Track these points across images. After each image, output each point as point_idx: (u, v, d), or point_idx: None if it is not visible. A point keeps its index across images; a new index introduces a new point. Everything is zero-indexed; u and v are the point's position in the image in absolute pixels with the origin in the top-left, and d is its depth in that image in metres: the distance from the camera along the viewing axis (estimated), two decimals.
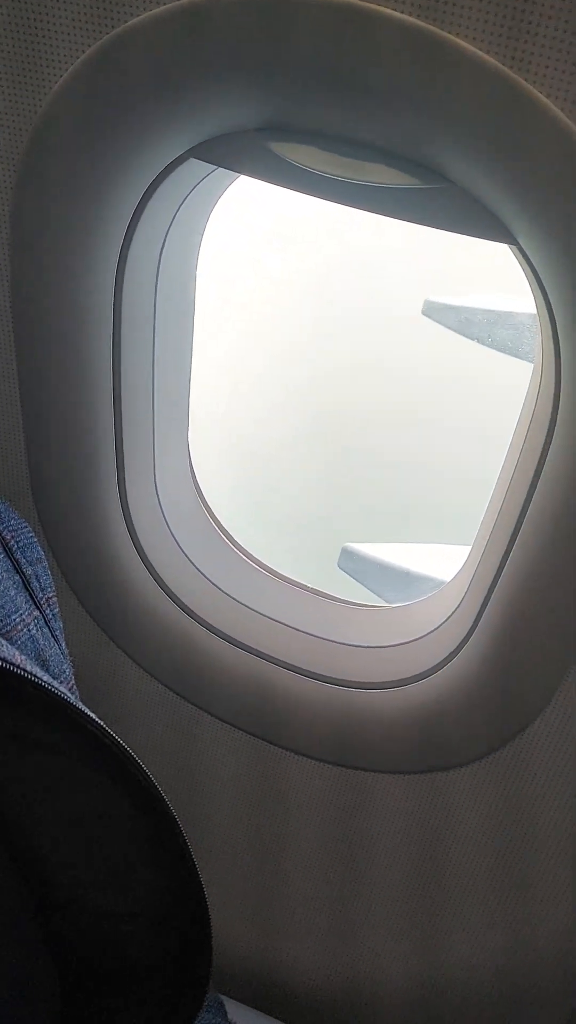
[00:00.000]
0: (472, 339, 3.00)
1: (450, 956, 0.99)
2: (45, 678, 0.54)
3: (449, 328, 3.05)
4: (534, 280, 0.66)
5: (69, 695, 0.55)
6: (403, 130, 0.62)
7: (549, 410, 0.72)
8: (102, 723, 0.55)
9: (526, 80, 0.55)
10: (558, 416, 0.71)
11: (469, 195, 0.64)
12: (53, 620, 0.69)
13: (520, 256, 0.66)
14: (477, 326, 3.01)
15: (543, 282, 0.65)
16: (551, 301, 0.66)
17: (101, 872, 0.60)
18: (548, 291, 0.65)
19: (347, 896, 1.01)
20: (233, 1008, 0.90)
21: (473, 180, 0.63)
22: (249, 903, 1.05)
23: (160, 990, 0.63)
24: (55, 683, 0.55)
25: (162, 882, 0.59)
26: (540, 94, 0.55)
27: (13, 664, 0.52)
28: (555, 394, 0.71)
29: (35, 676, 0.53)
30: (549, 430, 0.72)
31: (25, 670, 0.53)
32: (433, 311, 3.10)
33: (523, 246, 0.64)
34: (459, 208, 0.65)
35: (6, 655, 0.53)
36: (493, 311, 3.05)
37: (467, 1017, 1.02)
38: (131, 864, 0.60)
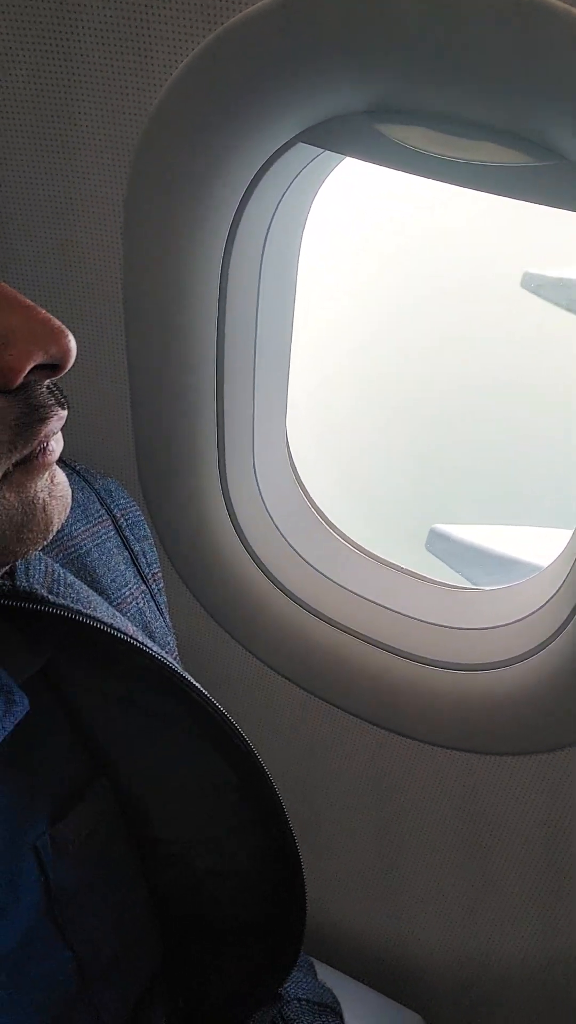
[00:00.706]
0: (573, 312, 2.93)
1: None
2: (156, 649, 0.56)
3: (548, 301, 2.99)
4: None
5: (177, 666, 0.57)
6: (511, 106, 0.61)
7: None
8: (207, 693, 0.57)
9: None
10: None
11: None
12: (159, 594, 0.72)
13: None
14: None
15: None
16: None
17: (205, 833, 0.63)
18: None
19: (454, 874, 1.02)
20: (324, 971, 0.92)
21: None
22: (352, 875, 1.07)
23: (256, 947, 0.66)
24: (164, 654, 0.57)
25: (262, 846, 0.62)
26: None
27: (127, 635, 0.55)
28: None
29: (147, 647, 0.56)
30: None
31: (138, 640, 0.55)
32: (532, 284, 3.03)
33: None
34: (572, 184, 0.64)
35: (120, 627, 0.55)
36: None
37: None
38: (233, 828, 0.62)
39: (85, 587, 0.58)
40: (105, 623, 0.54)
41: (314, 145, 0.71)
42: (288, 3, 0.61)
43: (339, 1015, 0.79)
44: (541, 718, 0.90)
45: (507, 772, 0.94)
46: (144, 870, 0.64)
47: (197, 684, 0.57)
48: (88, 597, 0.56)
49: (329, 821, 1.06)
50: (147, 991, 0.64)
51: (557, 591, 0.91)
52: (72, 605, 0.53)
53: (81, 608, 0.53)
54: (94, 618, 0.53)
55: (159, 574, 0.72)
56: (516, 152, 0.64)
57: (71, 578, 0.56)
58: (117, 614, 0.58)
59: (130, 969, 0.62)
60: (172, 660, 0.57)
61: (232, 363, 0.86)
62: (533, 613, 0.93)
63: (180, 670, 0.57)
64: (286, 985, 0.77)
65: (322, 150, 0.75)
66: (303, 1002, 0.76)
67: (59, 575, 0.55)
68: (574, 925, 0.97)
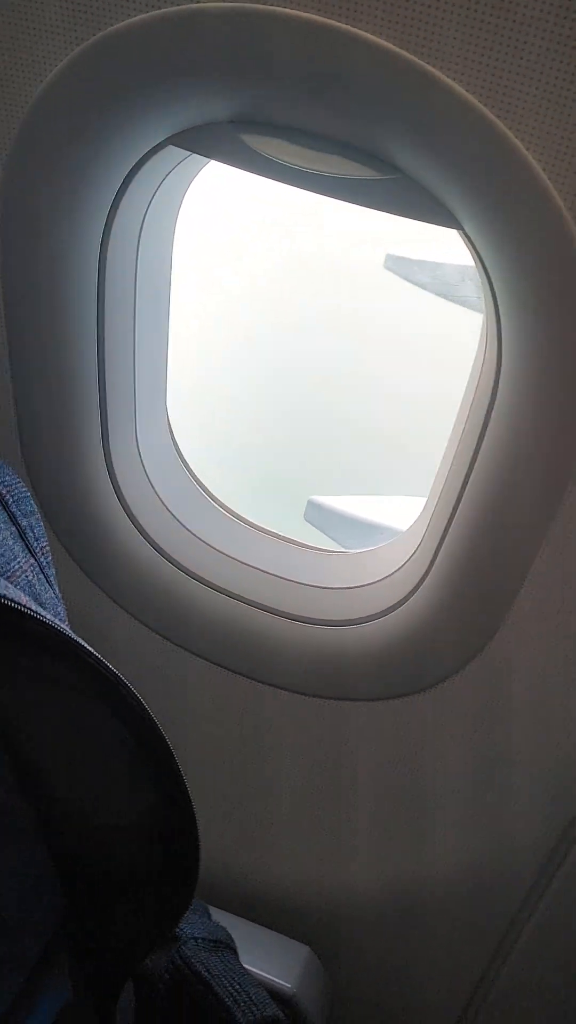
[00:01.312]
0: (433, 293, 3.10)
1: (426, 859, 1.11)
2: (47, 615, 0.59)
3: (409, 281, 3.14)
4: (479, 263, 0.75)
5: (69, 631, 0.60)
6: (360, 128, 0.70)
7: (492, 379, 0.81)
8: (99, 655, 0.59)
9: (452, 80, 0.63)
10: (499, 386, 0.80)
11: (418, 185, 0.72)
12: (47, 567, 0.75)
13: (466, 240, 0.74)
14: (437, 280, 3.10)
15: (486, 265, 0.74)
16: (492, 281, 0.74)
17: (102, 791, 0.66)
18: (490, 273, 0.74)
19: (326, 813, 1.12)
20: (216, 914, 1.01)
21: (420, 172, 0.71)
22: (234, 822, 1.16)
23: (153, 895, 0.69)
24: (56, 620, 0.60)
25: (157, 800, 0.64)
26: (470, 96, 0.63)
27: (18, 603, 0.57)
28: (496, 367, 0.79)
29: (38, 613, 0.58)
30: (492, 395, 0.81)
31: (29, 608, 0.58)
32: (395, 265, 3.17)
33: (467, 231, 0.73)
34: (410, 197, 0.73)
35: (11, 595, 0.58)
36: (452, 265, 3.14)
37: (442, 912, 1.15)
38: (128, 784, 0.65)
39: None
40: None
41: (183, 148, 0.78)
42: (166, 19, 0.67)
43: (233, 950, 0.86)
44: (404, 665, 1.01)
45: (373, 717, 1.04)
46: (43, 828, 0.66)
47: (89, 647, 0.59)
48: None
49: (212, 774, 1.14)
50: (51, 944, 0.66)
51: (414, 553, 1.02)
52: None
53: None
54: None
55: (47, 547, 0.74)
56: (362, 166, 0.72)
57: None
58: (8, 585, 0.62)
59: (33, 923, 0.64)
60: (66, 627, 0.60)
61: (112, 343, 0.92)
62: (394, 572, 1.04)
63: (72, 635, 0.59)
64: (182, 927, 0.83)
65: (190, 153, 0.81)
66: (199, 940, 0.83)
67: None
68: (420, 851, 1.10)
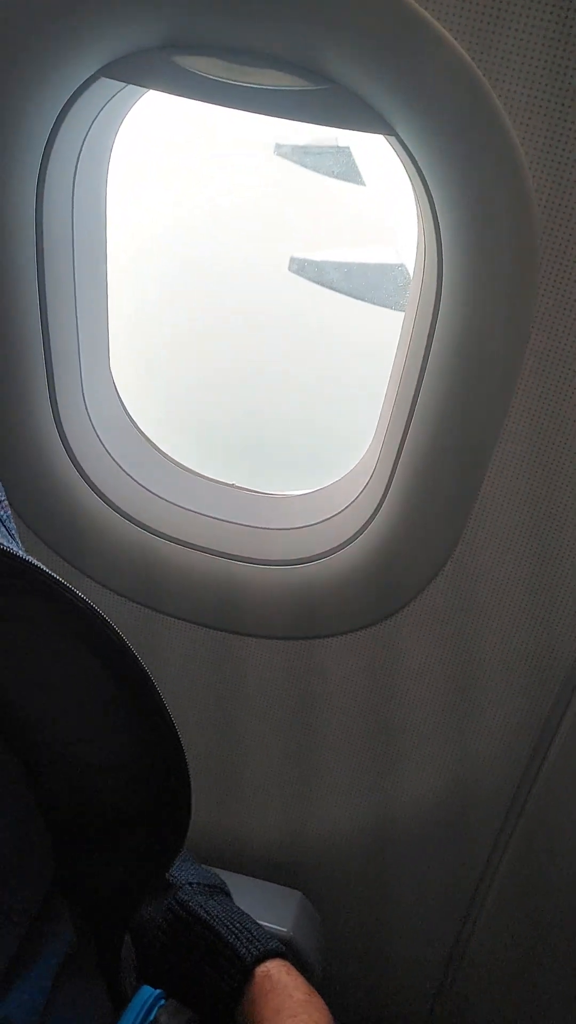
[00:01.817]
0: (336, 291, 3.19)
1: (407, 787, 1.12)
2: (18, 551, 0.59)
3: (313, 281, 3.22)
4: (412, 167, 0.78)
5: (42, 566, 0.59)
6: (291, 37, 0.72)
7: (434, 287, 0.83)
8: (75, 590, 0.59)
9: None
10: (441, 293, 0.83)
11: (351, 93, 0.74)
12: (7, 521, 0.73)
13: (399, 146, 0.77)
14: (340, 278, 3.20)
15: (420, 166, 0.77)
16: (427, 181, 0.77)
17: (82, 728, 0.65)
18: (425, 173, 0.76)
19: (305, 756, 1.12)
20: None
21: (354, 80, 0.73)
22: (215, 777, 1.14)
23: (148, 835, 0.68)
24: (28, 556, 0.59)
25: (141, 735, 0.63)
26: None
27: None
28: (438, 271, 0.82)
29: (11, 548, 0.58)
30: (435, 308, 0.84)
31: (7, 549, 0.57)
32: (298, 267, 3.26)
33: (401, 136, 0.76)
34: (343, 106, 0.75)
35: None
36: (352, 263, 3.25)
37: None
38: (110, 719, 0.64)
39: None
40: None
41: (116, 79, 0.78)
42: None
43: (228, 894, 0.85)
44: (360, 599, 1.02)
45: (346, 650, 1.05)
46: (29, 774, 0.65)
47: (58, 577, 0.58)
48: None
49: (189, 731, 1.13)
50: (49, 895, 0.65)
51: (368, 482, 1.03)
52: None
53: None
54: None
55: (5, 502, 0.73)
56: (295, 77, 0.74)
57: None
58: None
59: (30, 871, 0.63)
60: (37, 562, 0.58)
61: (54, 296, 0.91)
62: (351, 504, 1.05)
63: (40, 566, 0.58)
64: (176, 873, 0.82)
65: (124, 85, 0.82)
66: (193, 885, 0.82)
67: None
68: (400, 780, 1.10)
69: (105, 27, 0.74)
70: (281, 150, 3.36)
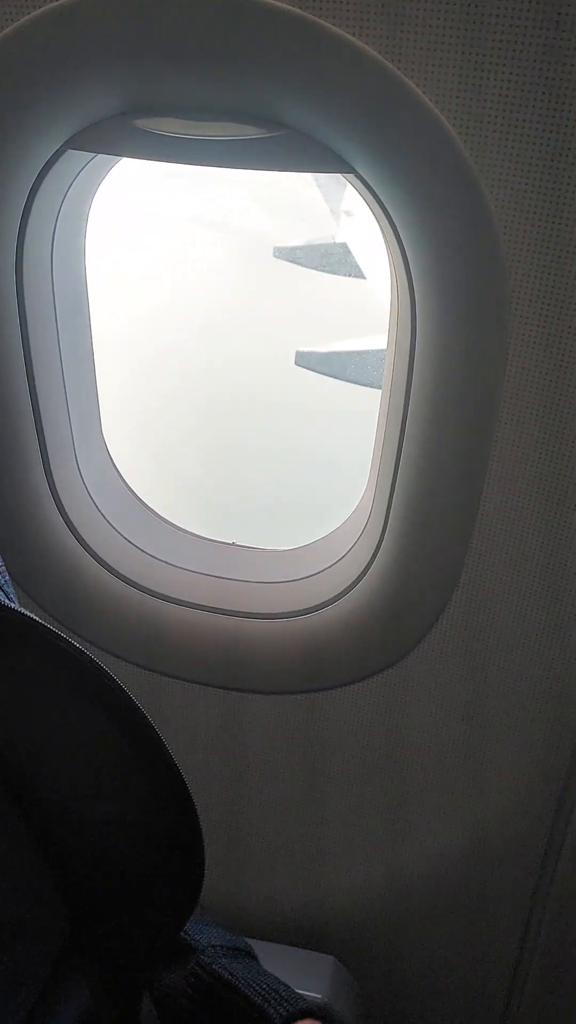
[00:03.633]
0: (342, 379, 3.23)
1: (432, 844, 1.03)
2: (16, 607, 0.57)
3: (319, 373, 3.27)
4: (374, 202, 0.77)
5: (40, 620, 0.57)
6: (244, 90, 0.72)
7: (409, 328, 0.81)
8: (73, 642, 0.57)
9: (334, 25, 0.66)
10: (416, 334, 0.80)
11: (306, 137, 0.74)
12: (6, 586, 0.71)
13: (359, 183, 0.76)
14: (345, 367, 3.25)
15: (381, 200, 0.76)
16: (391, 215, 0.76)
17: (90, 785, 0.62)
18: (387, 206, 0.75)
19: (324, 815, 1.04)
20: None
21: (308, 123, 0.73)
22: (233, 843, 1.06)
23: (158, 896, 0.64)
24: (25, 611, 0.57)
25: (150, 789, 0.61)
26: (351, 36, 0.66)
27: None
28: (411, 306, 0.80)
29: (9, 604, 0.56)
30: (411, 344, 0.82)
31: (8, 606, 0.56)
32: (305, 360, 3.31)
33: (360, 172, 0.75)
34: (299, 150, 0.75)
35: None
36: (355, 352, 3.30)
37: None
38: (118, 775, 0.61)
39: None
40: None
41: (82, 150, 0.79)
42: (38, 23, 0.70)
43: (254, 957, 0.79)
44: (365, 646, 0.97)
45: (350, 702, 0.99)
46: (35, 831, 0.63)
47: (62, 634, 0.56)
48: None
49: (197, 797, 1.06)
50: (62, 953, 0.62)
51: (361, 534, 0.99)
52: None
53: None
54: None
55: (2, 567, 0.72)
56: (250, 127, 0.75)
57: None
58: None
59: (40, 931, 0.60)
60: (42, 621, 0.57)
61: (40, 364, 0.90)
62: (345, 555, 1.01)
63: (43, 623, 0.57)
64: (198, 937, 0.77)
65: (92, 155, 0.83)
66: (217, 947, 0.76)
67: None
68: (423, 836, 1.02)
69: (66, 101, 0.75)
70: (280, 252, 3.47)
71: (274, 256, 3.24)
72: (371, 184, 0.75)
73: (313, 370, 3.22)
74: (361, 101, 0.70)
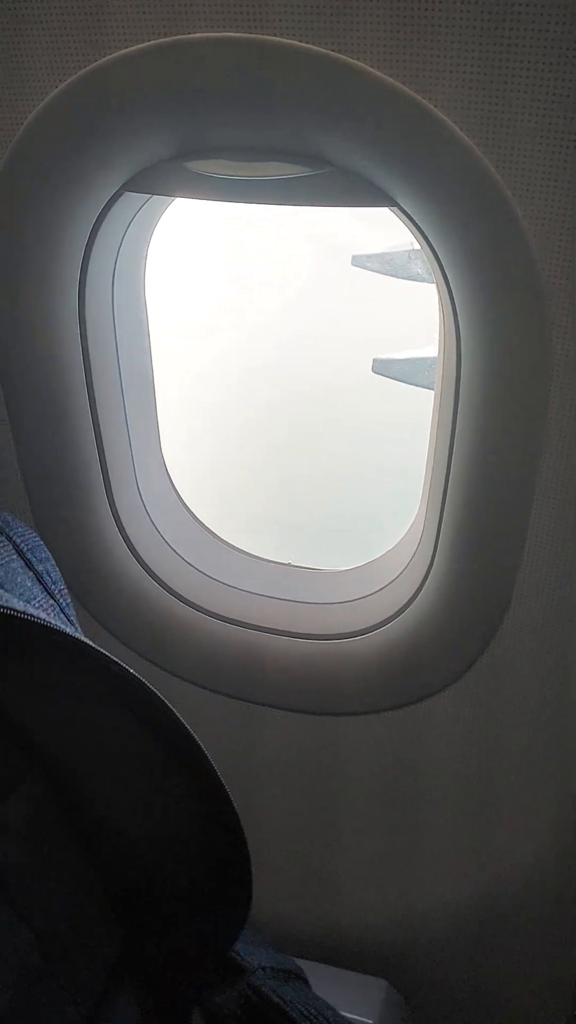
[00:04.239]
0: (421, 386, 3.18)
1: (488, 868, 1.01)
2: (69, 629, 0.57)
3: (397, 380, 3.24)
4: (419, 233, 0.76)
5: (92, 643, 0.57)
6: (286, 131, 0.73)
7: (454, 360, 0.81)
8: (123, 664, 0.57)
9: (373, 68, 0.67)
10: (461, 367, 0.80)
11: (350, 173, 0.75)
12: (67, 608, 0.73)
13: (402, 215, 0.76)
14: (422, 373, 3.20)
15: (425, 232, 0.75)
16: (433, 245, 0.76)
17: (139, 802, 0.63)
18: (430, 238, 0.75)
19: (379, 837, 1.04)
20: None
21: (349, 160, 0.74)
22: (289, 861, 1.07)
23: (206, 913, 0.65)
24: (78, 633, 0.59)
25: (199, 811, 0.61)
26: (392, 80, 0.67)
27: (39, 618, 0.56)
28: (456, 331, 0.80)
29: (60, 626, 0.57)
30: (456, 381, 0.81)
31: (51, 622, 0.56)
32: (382, 367, 3.29)
33: (403, 206, 0.75)
34: (344, 186, 0.76)
35: (35, 613, 0.56)
36: (431, 358, 3.25)
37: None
38: (166, 792, 0.62)
39: None
40: (18, 610, 0.55)
41: (138, 192, 0.82)
42: (96, 75, 0.73)
43: (305, 980, 0.79)
44: (404, 675, 0.96)
45: (383, 729, 0.98)
46: (88, 849, 0.64)
47: (114, 657, 0.57)
48: (1, 593, 0.57)
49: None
50: (114, 971, 0.63)
51: (410, 561, 0.99)
52: None
53: None
54: (8, 607, 0.54)
55: (65, 591, 0.72)
56: (297, 166, 0.76)
57: None
58: (30, 606, 0.61)
59: (92, 948, 0.61)
60: (88, 640, 0.57)
61: (103, 397, 0.94)
62: (393, 581, 1.00)
63: (96, 646, 0.57)
64: (248, 958, 0.76)
65: (148, 197, 0.86)
66: (267, 970, 0.76)
67: None
68: (479, 860, 1.00)
69: (123, 146, 0.78)
70: (358, 260, 3.46)
71: (352, 264, 3.22)
72: (413, 216, 0.75)
73: (390, 377, 3.20)
74: (395, 136, 0.70)
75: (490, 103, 0.65)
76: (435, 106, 0.67)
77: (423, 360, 3.33)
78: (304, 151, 0.75)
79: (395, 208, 0.76)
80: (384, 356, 3.35)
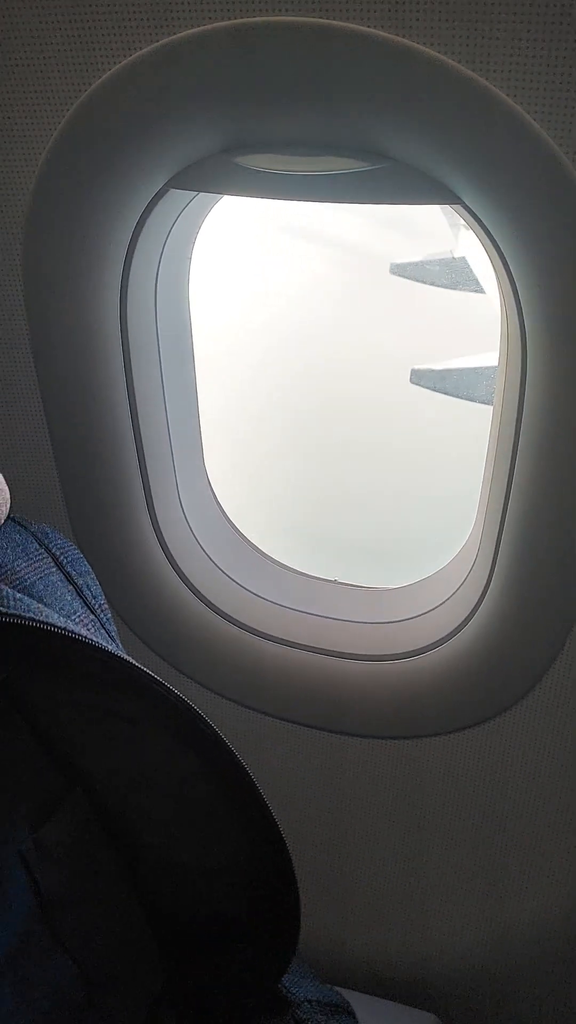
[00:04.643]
0: (458, 397, 3.12)
1: (538, 902, 0.95)
2: (112, 647, 0.55)
3: (436, 391, 3.17)
4: (482, 231, 0.71)
5: (135, 661, 0.55)
6: (344, 123, 0.68)
7: (519, 364, 0.75)
8: (167, 684, 0.55)
9: (444, 55, 0.62)
10: (527, 368, 0.74)
11: (410, 168, 0.70)
12: (108, 624, 0.70)
13: (466, 212, 0.71)
14: (462, 384, 3.14)
15: (490, 230, 0.70)
16: (499, 244, 0.70)
17: (185, 830, 0.60)
18: (495, 235, 0.70)
19: (427, 868, 0.99)
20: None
21: (411, 154, 0.68)
22: (334, 892, 1.02)
23: (252, 947, 0.62)
24: (121, 652, 0.56)
25: (244, 837, 0.59)
26: (460, 65, 0.62)
27: (81, 636, 0.53)
28: (521, 336, 0.74)
29: (103, 645, 0.54)
30: (520, 383, 0.76)
31: (93, 640, 0.54)
32: (420, 378, 3.23)
33: (467, 202, 0.70)
34: (403, 182, 0.71)
35: (74, 630, 0.54)
36: (473, 368, 3.19)
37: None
38: (212, 821, 0.59)
39: (36, 602, 0.57)
40: (59, 626, 0.52)
41: (183, 188, 0.78)
42: (144, 63, 0.69)
43: (352, 1014, 0.75)
44: (458, 699, 0.91)
45: (441, 752, 0.93)
46: (132, 876, 0.61)
47: (157, 676, 0.54)
48: (40, 609, 0.54)
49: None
50: (157, 1002, 0.61)
51: (467, 575, 0.93)
52: (25, 613, 0.51)
53: (34, 616, 0.52)
54: (48, 623, 0.52)
55: (105, 605, 0.70)
56: (352, 160, 0.71)
57: (21, 595, 0.55)
58: (70, 621, 0.58)
59: (135, 978, 0.59)
60: (138, 664, 0.55)
61: (143, 401, 0.89)
62: (450, 597, 0.95)
63: (138, 665, 0.55)
64: (294, 990, 0.73)
65: (194, 194, 0.81)
66: (313, 1003, 0.73)
67: (7, 592, 0.54)
68: (518, 896, 0.94)
69: (168, 139, 0.73)
70: (397, 268, 3.41)
71: (391, 272, 3.18)
72: (478, 214, 0.70)
73: (429, 388, 3.14)
74: (461, 126, 0.65)
75: (563, 90, 0.60)
76: (505, 93, 0.62)
77: (461, 371, 3.27)
78: (361, 144, 0.70)
79: (458, 206, 0.71)
80: (422, 367, 3.29)
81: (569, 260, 0.66)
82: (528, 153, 0.63)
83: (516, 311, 0.73)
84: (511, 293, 0.73)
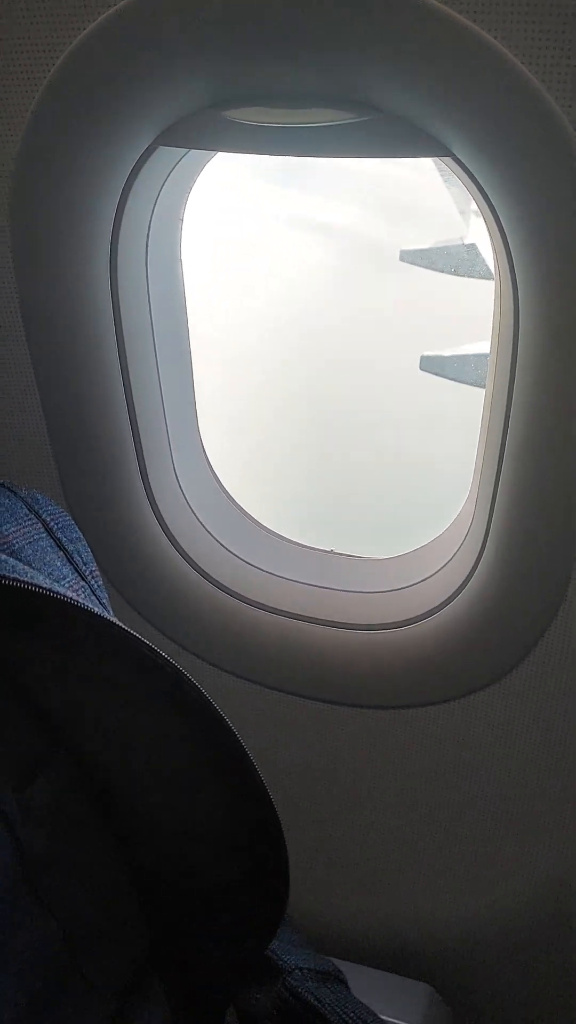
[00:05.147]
0: (469, 384, 3.09)
1: (534, 871, 0.94)
2: (99, 610, 0.54)
3: (447, 378, 3.15)
4: (472, 184, 0.69)
5: (121, 624, 0.54)
6: (332, 73, 0.67)
7: (512, 322, 0.73)
8: (152, 645, 0.53)
9: (440, 3, 0.60)
10: (519, 328, 0.73)
11: (399, 120, 0.68)
12: (99, 591, 0.69)
13: (456, 165, 0.69)
14: (470, 370, 3.11)
15: (480, 182, 0.68)
16: (492, 202, 0.68)
17: (172, 794, 0.59)
18: (485, 188, 0.68)
19: (422, 837, 0.97)
20: None
21: (401, 105, 0.67)
22: (327, 860, 1.01)
23: (240, 911, 0.61)
24: (108, 614, 0.55)
25: (234, 799, 0.58)
26: (455, 12, 0.60)
27: (68, 597, 0.52)
28: (513, 296, 0.72)
29: (90, 607, 0.53)
30: (512, 353, 0.74)
31: (80, 602, 0.53)
32: (430, 365, 3.20)
33: (457, 155, 0.68)
34: (392, 134, 0.69)
35: (64, 592, 0.52)
36: (481, 355, 3.15)
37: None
38: (200, 785, 0.59)
39: (23, 565, 0.56)
40: (44, 587, 0.51)
41: (171, 145, 0.76)
42: (125, 15, 0.67)
43: (344, 982, 0.75)
44: (457, 665, 0.90)
45: (436, 720, 0.92)
46: (118, 841, 0.60)
47: (142, 638, 0.53)
48: (27, 571, 0.53)
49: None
50: (142, 966, 0.60)
51: (460, 546, 0.92)
52: (10, 574, 0.50)
53: (19, 576, 0.51)
54: (33, 583, 0.51)
55: (96, 572, 0.69)
56: (339, 112, 0.69)
57: (7, 557, 0.54)
58: (58, 585, 0.57)
59: (120, 940, 0.58)
60: (117, 620, 0.54)
61: (136, 370, 0.88)
62: (443, 567, 0.94)
63: (126, 627, 0.54)
64: (285, 957, 0.73)
65: (184, 151, 0.80)
66: (304, 970, 0.72)
67: None
68: (526, 863, 0.93)
69: (155, 95, 0.72)
70: (407, 255, 3.38)
71: (400, 259, 3.16)
72: (470, 167, 0.68)
73: (438, 374, 3.11)
74: (451, 75, 0.63)
75: (559, 40, 0.58)
76: (496, 39, 0.60)
77: (470, 357, 3.24)
78: (350, 95, 0.68)
79: (449, 159, 0.69)
80: (432, 353, 3.27)
81: (561, 210, 0.64)
82: (521, 104, 0.61)
83: (508, 267, 0.71)
84: (503, 249, 0.71)
